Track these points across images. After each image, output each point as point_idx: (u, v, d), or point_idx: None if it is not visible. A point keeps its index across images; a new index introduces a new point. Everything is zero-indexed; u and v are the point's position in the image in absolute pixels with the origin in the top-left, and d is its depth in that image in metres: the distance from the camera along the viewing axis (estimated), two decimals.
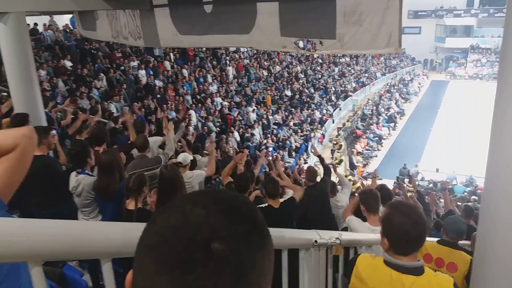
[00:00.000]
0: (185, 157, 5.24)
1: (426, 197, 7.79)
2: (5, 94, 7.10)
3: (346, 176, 16.04)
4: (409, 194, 7.36)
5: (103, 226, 1.34)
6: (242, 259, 0.61)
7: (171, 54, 17.69)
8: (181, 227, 0.61)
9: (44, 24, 13.89)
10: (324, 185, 5.59)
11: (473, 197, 12.75)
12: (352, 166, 18.05)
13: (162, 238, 0.61)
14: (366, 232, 3.33)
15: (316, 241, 2.28)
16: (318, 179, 5.82)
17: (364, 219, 3.56)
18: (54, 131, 4.61)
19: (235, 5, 5.39)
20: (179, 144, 7.41)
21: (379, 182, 6.75)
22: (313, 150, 9.07)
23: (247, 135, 16.40)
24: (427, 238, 3.70)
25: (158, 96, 14.34)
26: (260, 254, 0.64)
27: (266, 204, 4.09)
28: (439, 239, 3.42)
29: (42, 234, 0.97)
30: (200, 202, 0.65)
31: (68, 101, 8.04)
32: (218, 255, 0.59)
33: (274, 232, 2.18)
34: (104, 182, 3.71)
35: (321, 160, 6.34)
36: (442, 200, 13.67)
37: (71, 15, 13.47)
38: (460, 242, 3.46)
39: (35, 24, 13.36)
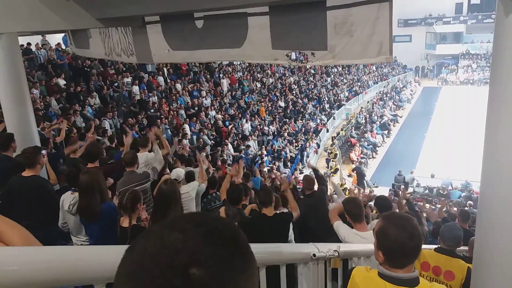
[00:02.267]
0: (179, 173, 5.30)
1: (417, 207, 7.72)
2: None
3: (341, 185, 16.06)
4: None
5: (97, 251, 1.29)
6: (224, 284, 0.59)
7: (165, 69, 17.73)
8: (158, 253, 0.59)
9: (37, 44, 13.90)
10: (321, 194, 5.58)
11: (469, 202, 12.76)
12: (361, 177, 17.92)
13: (139, 265, 0.59)
14: (354, 238, 3.37)
15: (314, 255, 2.27)
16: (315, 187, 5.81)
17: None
18: (43, 151, 4.58)
19: (226, 19, 5.42)
20: (173, 158, 7.35)
21: (375, 190, 6.75)
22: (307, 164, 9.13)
23: (242, 147, 16.39)
24: (424, 246, 3.70)
25: (152, 111, 14.34)
26: (243, 277, 0.62)
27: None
28: (436, 246, 3.41)
29: (34, 263, 0.93)
30: (179, 226, 0.63)
31: (60, 120, 8.03)
32: (198, 281, 0.57)
33: (271, 248, 2.17)
34: (84, 203, 3.55)
35: (315, 171, 6.40)
36: (439, 205, 13.72)
37: (63, 34, 13.50)
38: (458, 248, 3.45)
39: (28, 43, 13.38)
